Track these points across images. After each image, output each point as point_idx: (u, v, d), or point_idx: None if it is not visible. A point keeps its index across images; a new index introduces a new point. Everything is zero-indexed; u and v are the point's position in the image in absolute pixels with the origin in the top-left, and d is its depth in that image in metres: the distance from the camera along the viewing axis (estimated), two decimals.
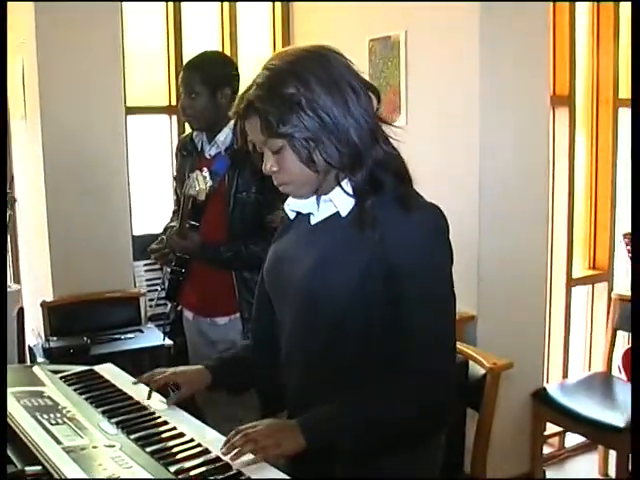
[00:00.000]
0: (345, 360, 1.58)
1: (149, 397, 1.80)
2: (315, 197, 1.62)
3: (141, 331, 3.45)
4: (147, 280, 3.83)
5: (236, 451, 1.44)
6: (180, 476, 1.41)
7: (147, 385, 1.82)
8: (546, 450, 3.83)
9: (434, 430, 1.63)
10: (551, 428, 3.80)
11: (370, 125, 1.55)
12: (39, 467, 1.41)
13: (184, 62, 2.90)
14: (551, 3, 3.55)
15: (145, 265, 3.79)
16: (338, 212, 1.59)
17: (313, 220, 1.65)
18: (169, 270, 2.77)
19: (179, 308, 2.91)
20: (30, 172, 3.76)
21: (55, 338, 3.24)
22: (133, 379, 1.92)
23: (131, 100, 3.85)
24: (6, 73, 3.61)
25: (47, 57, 3.44)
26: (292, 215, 1.72)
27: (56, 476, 1.37)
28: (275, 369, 1.74)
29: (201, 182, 2.54)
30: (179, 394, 1.80)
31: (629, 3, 4.03)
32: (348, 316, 1.54)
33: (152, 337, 3.34)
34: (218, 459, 1.47)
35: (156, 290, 3.63)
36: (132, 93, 3.88)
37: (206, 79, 2.68)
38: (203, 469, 1.44)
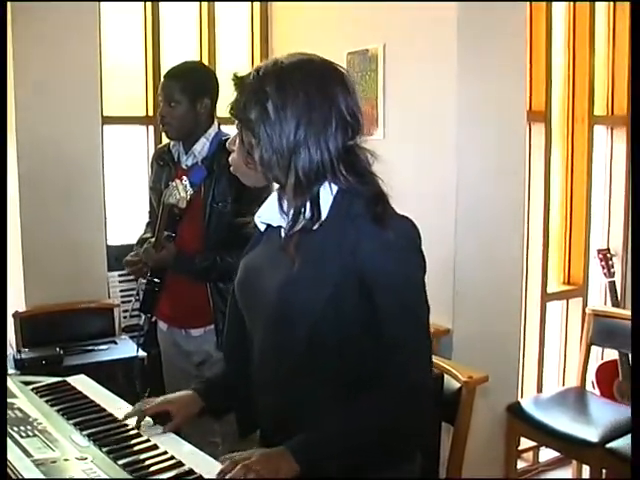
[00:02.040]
0: (320, 375, 1.56)
1: (138, 427, 1.70)
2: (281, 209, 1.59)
3: (115, 342, 3.41)
4: (121, 291, 3.79)
5: None
6: None
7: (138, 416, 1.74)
8: (520, 465, 3.85)
9: (417, 440, 1.63)
10: (525, 443, 3.81)
11: (324, 160, 1.52)
12: None
13: (162, 72, 2.89)
14: (528, 22, 3.59)
15: (120, 275, 3.75)
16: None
17: (284, 232, 1.61)
18: (144, 281, 2.75)
19: (153, 319, 2.89)
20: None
21: (27, 349, 3.19)
22: (109, 393, 1.89)
23: (108, 110, 3.82)
24: (6, 73, 3.56)
25: (23, 66, 3.40)
26: (262, 227, 1.69)
27: None
28: (246, 382, 1.71)
29: (181, 190, 2.54)
30: (172, 425, 1.72)
31: (605, 19, 4.10)
32: (322, 331, 1.52)
33: (126, 348, 3.30)
34: (191, 472, 1.46)
35: (130, 301, 3.61)
36: (109, 103, 3.86)
37: (186, 88, 2.67)
38: None
